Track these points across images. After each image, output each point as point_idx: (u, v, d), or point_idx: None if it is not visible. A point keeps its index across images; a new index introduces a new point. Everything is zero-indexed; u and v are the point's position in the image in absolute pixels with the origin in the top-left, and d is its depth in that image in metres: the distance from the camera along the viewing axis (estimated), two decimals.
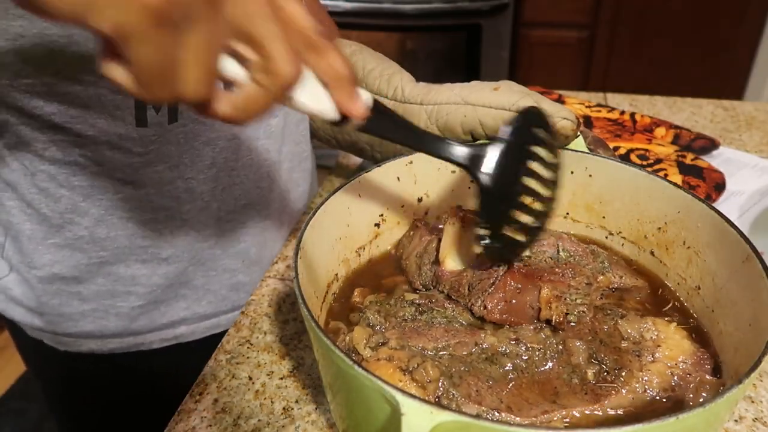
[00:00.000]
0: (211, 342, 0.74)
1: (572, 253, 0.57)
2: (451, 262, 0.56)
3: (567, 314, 0.52)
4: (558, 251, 0.57)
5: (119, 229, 0.65)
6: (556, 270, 0.54)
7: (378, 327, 0.52)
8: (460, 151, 0.48)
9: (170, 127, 0.61)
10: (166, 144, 0.62)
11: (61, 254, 0.66)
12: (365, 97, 0.42)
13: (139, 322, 0.71)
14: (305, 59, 0.38)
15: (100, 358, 0.73)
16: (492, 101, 0.63)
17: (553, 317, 0.51)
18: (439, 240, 0.58)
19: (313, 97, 0.40)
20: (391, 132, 0.47)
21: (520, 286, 0.52)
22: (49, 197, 0.63)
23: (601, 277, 0.56)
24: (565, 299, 0.52)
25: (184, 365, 0.66)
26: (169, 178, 0.64)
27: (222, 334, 0.75)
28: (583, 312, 0.52)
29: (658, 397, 0.46)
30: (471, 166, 0.48)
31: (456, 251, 0.56)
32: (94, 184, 0.62)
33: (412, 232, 0.63)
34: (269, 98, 0.36)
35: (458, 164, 0.49)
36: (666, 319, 0.53)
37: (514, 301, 0.52)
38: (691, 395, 0.46)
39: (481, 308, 0.52)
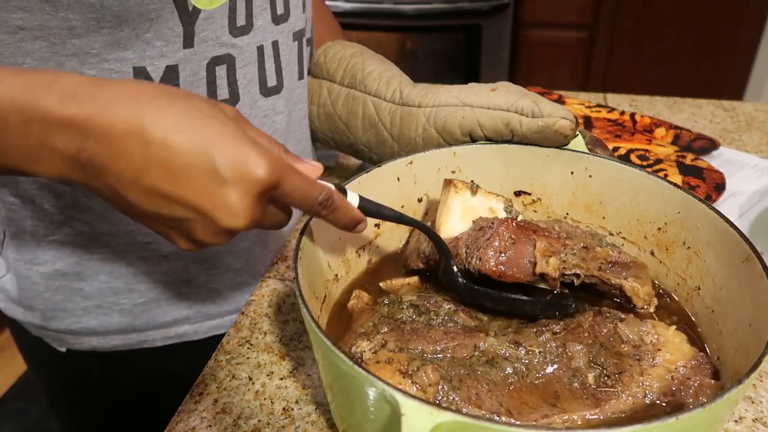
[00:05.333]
0: (215, 342, 0.74)
1: (568, 230, 0.58)
2: (447, 230, 0.57)
3: (564, 274, 0.52)
4: (554, 228, 0.58)
5: (120, 225, 0.65)
6: (552, 230, 0.55)
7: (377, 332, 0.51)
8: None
9: None
10: None
11: (62, 251, 0.66)
12: (359, 213, 0.51)
13: (142, 318, 0.71)
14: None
15: (102, 355, 0.73)
16: (490, 102, 0.63)
17: (549, 271, 0.51)
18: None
19: None
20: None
21: (514, 237, 0.53)
22: (50, 193, 0.63)
23: (599, 249, 0.55)
24: (561, 257, 0.52)
25: (186, 364, 0.66)
26: None
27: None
28: (578, 276, 0.53)
29: (658, 402, 0.46)
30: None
31: (450, 218, 0.57)
32: None
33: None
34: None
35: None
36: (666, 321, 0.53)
37: (510, 252, 0.52)
38: (691, 400, 0.46)
39: (476, 261, 0.52)
